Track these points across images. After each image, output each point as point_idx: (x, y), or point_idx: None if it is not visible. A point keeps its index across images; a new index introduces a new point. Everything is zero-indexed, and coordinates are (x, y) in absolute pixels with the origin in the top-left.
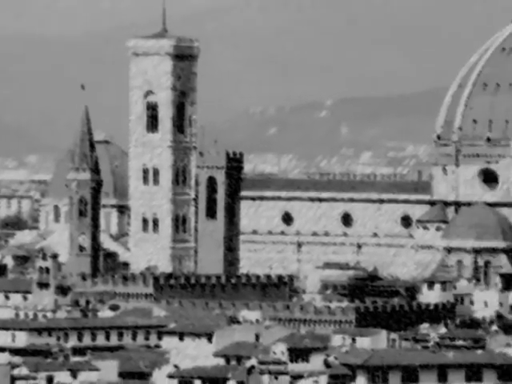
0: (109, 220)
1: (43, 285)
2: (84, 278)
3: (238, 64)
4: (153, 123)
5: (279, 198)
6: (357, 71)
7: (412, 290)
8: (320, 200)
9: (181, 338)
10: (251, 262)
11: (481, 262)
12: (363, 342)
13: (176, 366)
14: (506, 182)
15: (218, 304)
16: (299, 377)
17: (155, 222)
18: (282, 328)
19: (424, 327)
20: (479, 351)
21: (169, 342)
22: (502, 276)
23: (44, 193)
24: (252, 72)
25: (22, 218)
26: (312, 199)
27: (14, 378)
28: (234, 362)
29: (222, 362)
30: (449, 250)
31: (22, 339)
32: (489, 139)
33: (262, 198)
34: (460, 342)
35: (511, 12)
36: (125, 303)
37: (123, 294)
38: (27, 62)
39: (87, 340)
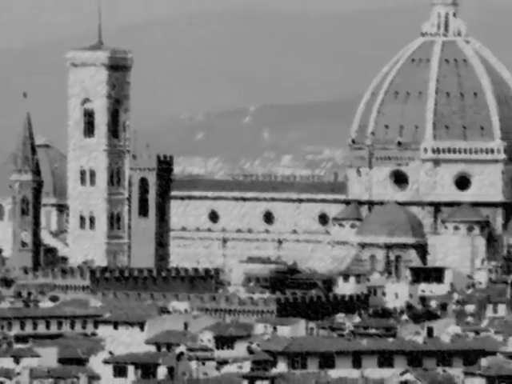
0: (49, 218)
1: None
2: (26, 271)
3: (168, 74)
4: (89, 129)
5: (206, 198)
6: (278, 80)
7: (328, 283)
8: (244, 199)
9: (115, 327)
10: (180, 257)
11: (392, 257)
12: (283, 331)
13: (111, 353)
14: (415, 183)
15: (150, 295)
16: (224, 362)
17: (92, 220)
18: (208, 317)
19: (340, 317)
20: (390, 339)
21: (104, 331)
22: (412, 269)
23: None
24: (181, 81)
25: None
26: (236, 198)
27: None
28: (164, 349)
29: (153, 348)
30: (362, 246)
31: None
32: (399, 143)
33: (190, 198)
34: (373, 331)
35: (420, 26)
36: (64, 294)
37: (62, 286)
38: None
39: (29, 328)
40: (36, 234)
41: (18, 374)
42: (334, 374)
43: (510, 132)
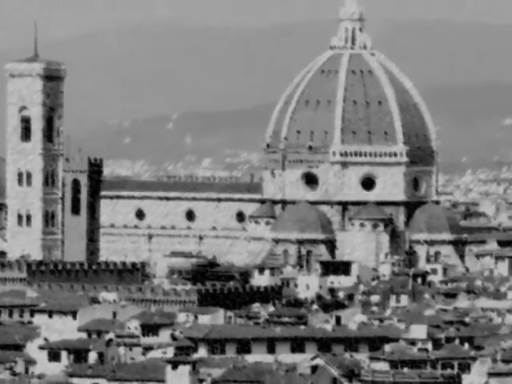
0: None
1: None
2: None
3: (97, 83)
4: (26, 134)
5: (133, 197)
6: (198, 89)
7: (245, 275)
8: (167, 199)
9: (50, 316)
10: (109, 251)
11: (303, 251)
12: (204, 319)
13: (46, 339)
14: (324, 184)
15: (82, 287)
16: (150, 348)
17: (28, 218)
18: (135, 307)
19: (255, 306)
20: (302, 327)
21: (40, 319)
22: (321, 263)
23: None
24: (110, 90)
25: None
26: (161, 198)
27: None
28: (94, 336)
29: (84, 335)
30: (276, 241)
31: None
32: (310, 147)
33: (118, 197)
34: (286, 319)
35: (329, 40)
36: (2, 286)
37: (1, 278)
38: None
39: None
40: None
41: None
42: (250, 358)
43: (412, 137)
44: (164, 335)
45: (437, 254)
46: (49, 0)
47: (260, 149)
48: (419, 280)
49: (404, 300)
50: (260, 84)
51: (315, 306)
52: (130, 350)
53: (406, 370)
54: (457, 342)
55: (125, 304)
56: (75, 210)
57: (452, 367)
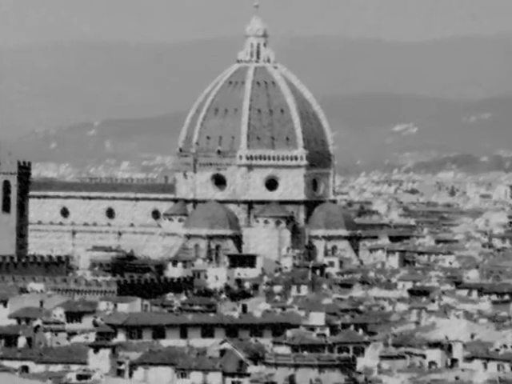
0: None
1: None
2: None
3: (25, 93)
4: None
5: (58, 197)
6: (118, 99)
7: (160, 267)
8: (90, 198)
9: None
10: (37, 246)
11: (213, 246)
12: (123, 307)
13: None
14: (232, 185)
15: (12, 278)
16: (74, 334)
17: None
18: (60, 296)
19: (169, 296)
20: (211, 314)
21: None
22: (229, 256)
23: None
24: (37, 100)
25: None
26: (83, 197)
27: None
28: (23, 323)
29: (14, 322)
30: (188, 237)
31: None
32: (219, 151)
33: (45, 197)
34: (197, 307)
35: (236, 54)
36: None
37: None
38: None
39: None
40: None
41: None
42: (164, 343)
43: (311, 142)
44: (86, 322)
45: (334, 248)
46: None
47: (173, 153)
48: (318, 272)
49: (304, 290)
50: (173, 94)
51: (223, 296)
52: (56, 335)
53: (305, 353)
54: (352, 328)
55: (51, 294)
56: (6, 208)
57: (348, 351)
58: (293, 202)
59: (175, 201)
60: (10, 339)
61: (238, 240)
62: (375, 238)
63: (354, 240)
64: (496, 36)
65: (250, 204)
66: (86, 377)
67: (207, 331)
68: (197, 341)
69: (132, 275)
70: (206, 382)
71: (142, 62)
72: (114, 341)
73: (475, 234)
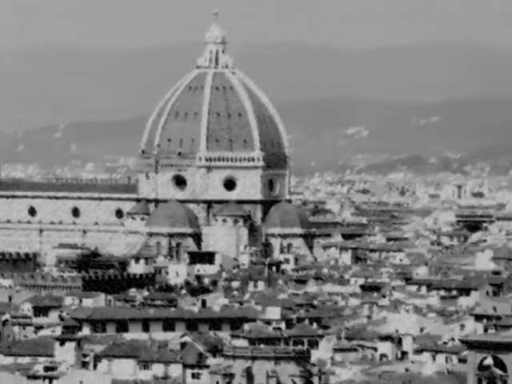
0: None
1: None
2: None
3: None
4: None
5: (26, 197)
6: (82, 103)
7: (123, 264)
8: (56, 198)
9: None
10: (6, 243)
11: (174, 243)
12: (88, 302)
13: None
14: (192, 185)
15: None
16: (41, 327)
17: None
18: (28, 291)
19: (132, 291)
20: (172, 309)
21: None
22: (189, 253)
23: None
24: (5, 103)
25: None
26: (50, 197)
27: None
28: None
29: None
30: (150, 235)
31: None
32: (180, 153)
33: (13, 197)
34: (158, 302)
35: (196, 60)
36: None
37: None
38: None
39: None
40: None
41: None
42: (127, 336)
43: (268, 144)
44: (53, 316)
45: (289, 245)
46: None
47: (136, 154)
48: (274, 268)
49: (261, 285)
50: (136, 99)
51: (184, 291)
52: (24, 328)
53: (262, 346)
54: (306, 321)
55: (19, 289)
56: None
57: (302, 344)
58: (250, 202)
59: (138, 200)
60: None
61: (197, 238)
62: (329, 235)
63: (308, 238)
64: (447, 43)
65: (209, 203)
66: (53, 368)
67: (168, 325)
68: (158, 334)
69: (96, 271)
70: (167, 374)
71: (106, 67)
72: (79, 334)
73: (424, 232)
